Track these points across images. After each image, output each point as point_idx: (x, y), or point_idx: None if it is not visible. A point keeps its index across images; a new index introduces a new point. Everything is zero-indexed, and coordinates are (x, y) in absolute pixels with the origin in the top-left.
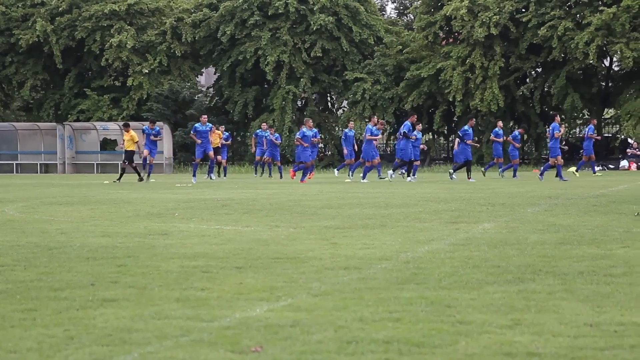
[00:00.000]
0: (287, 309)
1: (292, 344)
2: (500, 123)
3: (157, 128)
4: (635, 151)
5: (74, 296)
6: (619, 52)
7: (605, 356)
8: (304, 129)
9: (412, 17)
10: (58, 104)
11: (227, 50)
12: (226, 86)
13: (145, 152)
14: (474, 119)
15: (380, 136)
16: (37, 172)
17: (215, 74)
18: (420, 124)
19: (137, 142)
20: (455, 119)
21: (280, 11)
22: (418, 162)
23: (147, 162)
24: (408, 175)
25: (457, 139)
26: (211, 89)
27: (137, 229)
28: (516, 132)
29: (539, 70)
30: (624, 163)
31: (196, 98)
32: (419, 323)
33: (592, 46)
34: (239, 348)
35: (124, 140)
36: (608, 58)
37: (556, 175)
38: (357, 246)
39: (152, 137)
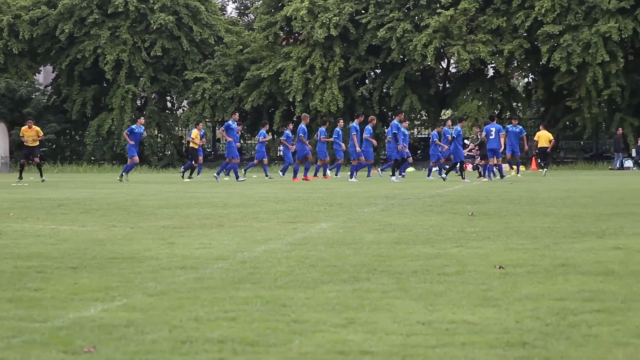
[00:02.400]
0: (122, 308)
1: (125, 344)
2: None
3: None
4: (470, 152)
5: None
6: (456, 54)
7: (437, 354)
8: (303, 125)
9: (253, 17)
10: None
11: (66, 49)
12: (64, 85)
13: (264, 160)
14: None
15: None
16: None
17: (53, 72)
18: (407, 122)
19: (40, 137)
20: (294, 119)
21: (120, 10)
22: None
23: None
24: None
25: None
26: (49, 88)
27: None
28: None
29: (378, 71)
30: None
31: (34, 97)
32: (254, 322)
33: (430, 48)
34: (72, 348)
35: (23, 135)
36: (445, 60)
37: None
38: (194, 246)
39: (261, 140)
